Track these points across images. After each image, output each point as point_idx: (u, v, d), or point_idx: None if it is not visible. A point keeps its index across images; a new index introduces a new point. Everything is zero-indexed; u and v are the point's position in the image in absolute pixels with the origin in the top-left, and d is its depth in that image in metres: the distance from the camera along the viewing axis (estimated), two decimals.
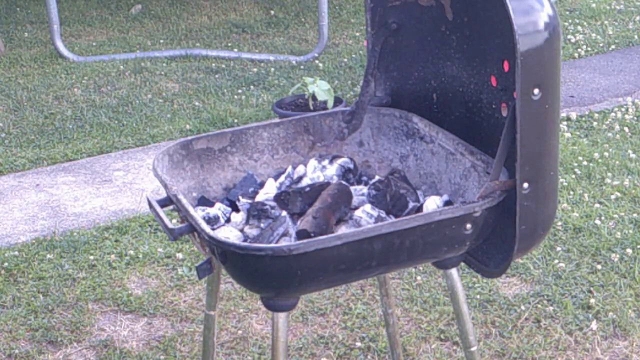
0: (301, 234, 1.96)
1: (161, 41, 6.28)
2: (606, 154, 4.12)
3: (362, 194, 2.15)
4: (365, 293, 3.15)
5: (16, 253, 3.47)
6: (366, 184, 2.24)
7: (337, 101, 4.53)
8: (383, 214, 2.06)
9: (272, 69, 5.58)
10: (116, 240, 3.55)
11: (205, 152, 2.25)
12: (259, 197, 2.19)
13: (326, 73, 5.46)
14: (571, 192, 3.77)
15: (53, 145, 4.55)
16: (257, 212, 2.08)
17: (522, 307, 3.03)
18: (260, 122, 4.73)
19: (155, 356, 2.87)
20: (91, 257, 3.41)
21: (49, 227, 3.71)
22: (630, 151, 4.13)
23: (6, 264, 3.39)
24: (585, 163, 4.02)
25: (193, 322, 3.03)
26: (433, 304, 3.06)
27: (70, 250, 3.48)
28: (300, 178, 2.24)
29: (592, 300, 3.03)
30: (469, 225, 1.92)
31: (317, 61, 5.70)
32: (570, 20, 6.42)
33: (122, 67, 5.70)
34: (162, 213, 2.00)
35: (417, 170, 2.29)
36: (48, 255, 3.44)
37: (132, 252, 3.44)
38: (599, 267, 3.22)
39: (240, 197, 2.18)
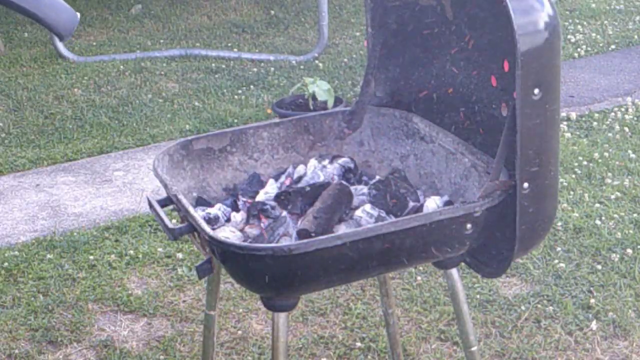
0: (302, 234, 1.96)
1: (161, 41, 6.28)
2: (606, 154, 4.12)
3: (362, 194, 2.15)
4: (365, 293, 3.15)
5: (16, 253, 3.47)
6: (366, 184, 2.24)
7: (337, 101, 4.53)
8: (383, 214, 2.06)
9: (272, 69, 5.58)
10: (116, 240, 3.55)
11: (205, 152, 2.25)
12: (259, 197, 2.19)
13: (326, 73, 5.46)
14: (571, 192, 3.77)
15: (53, 145, 4.55)
16: (257, 212, 2.08)
17: (522, 307, 3.03)
18: (260, 122, 4.73)
19: (155, 356, 2.87)
20: (91, 257, 3.41)
21: (49, 227, 3.71)
22: (630, 151, 4.13)
23: (6, 264, 3.39)
24: (585, 163, 4.02)
25: (193, 322, 3.03)
26: (433, 304, 3.06)
27: (70, 250, 3.48)
28: (300, 178, 2.24)
29: (592, 300, 3.03)
30: (469, 225, 1.92)
31: (317, 61, 5.70)
32: (570, 20, 6.43)
33: (122, 67, 5.70)
34: (162, 213, 2.00)
35: (417, 170, 2.29)
36: (48, 255, 3.44)
37: (132, 252, 3.44)
38: (599, 267, 3.22)
39: (240, 197, 2.19)
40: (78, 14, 1.78)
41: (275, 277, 1.83)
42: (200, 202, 2.20)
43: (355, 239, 1.82)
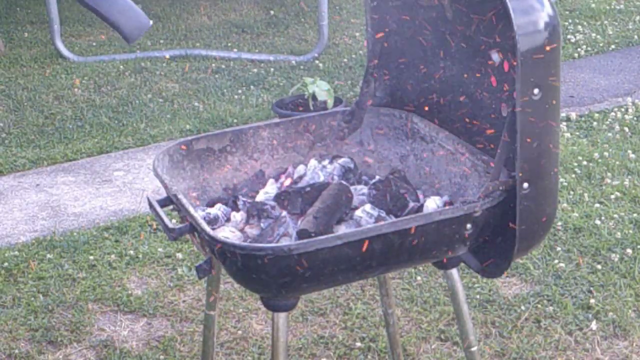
0: (302, 234, 1.96)
1: (161, 41, 6.28)
2: (606, 154, 4.12)
3: (362, 194, 2.15)
4: (365, 293, 3.15)
5: (16, 253, 3.47)
6: (366, 184, 2.24)
7: (337, 101, 4.53)
8: (383, 214, 2.06)
9: (272, 69, 5.58)
10: (116, 240, 3.55)
11: (205, 152, 2.25)
12: (259, 197, 2.19)
13: (326, 73, 5.46)
14: (571, 192, 3.77)
15: (53, 145, 4.55)
16: (257, 212, 2.08)
17: (522, 307, 3.03)
18: (260, 122, 4.73)
19: (155, 356, 2.87)
20: (91, 257, 3.41)
21: (49, 227, 3.71)
22: (630, 151, 4.13)
23: (6, 264, 3.39)
24: (585, 163, 4.02)
25: (193, 322, 3.03)
26: (433, 304, 3.06)
27: (70, 250, 3.48)
28: (300, 178, 2.24)
29: (592, 300, 3.03)
30: (469, 225, 1.92)
31: (317, 61, 5.70)
32: (570, 20, 6.42)
33: (122, 67, 5.70)
34: (162, 213, 2.00)
35: (417, 170, 2.29)
36: (48, 255, 3.44)
37: (132, 252, 3.44)
38: (599, 267, 3.22)
39: (240, 197, 2.19)
40: (151, 22, 1.83)
41: (275, 277, 1.83)
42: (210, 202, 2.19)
43: (355, 239, 1.82)
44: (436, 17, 2.20)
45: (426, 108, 2.33)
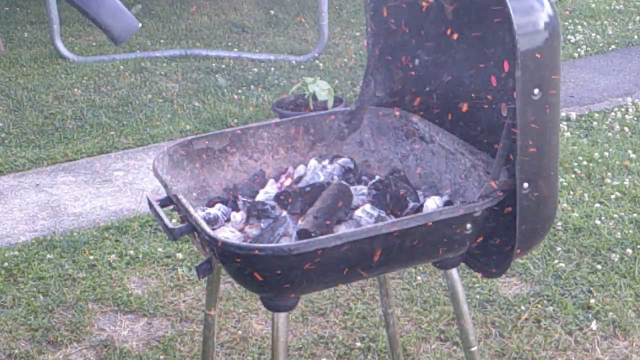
0: (302, 234, 1.96)
1: (161, 41, 6.28)
2: (606, 154, 4.12)
3: (362, 194, 2.15)
4: (365, 293, 3.15)
5: (16, 253, 3.47)
6: (366, 184, 2.24)
7: (337, 101, 4.53)
8: (383, 214, 2.06)
9: (272, 69, 5.58)
10: (116, 240, 3.55)
11: (205, 152, 2.25)
12: (259, 197, 2.19)
13: (326, 73, 5.46)
14: (571, 192, 3.77)
15: (53, 145, 4.55)
16: (257, 212, 2.08)
17: (522, 307, 3.03)
18: (260, 122, 4.73)
19: (155, 356, 2.87)
20: (91, 257, 3.41)
21: (49, 227, 3.71)
22: (630, 151, 4.13)
23: (6, 264, 3.39)
24: (585, 163, 4.02)
25: (193, 322, 3.03)
26: (433, 304, 3.06)
27: (70, 250, 3.48)
28: (300, 178, 2.24)
29: (592, 300, 3.03)
30: (469, 225, 1.92)
31: (317, 61, 5.70)
32: (570, 20, 6.43)
33: (122, 67, 5.70)
34: (162, 213, 2.00)
35: (417, 170, 2.29)
36: (48, 255, 3.44)
37: (132, 252, 3.44)
38: (599, 267, 3.22)
39: (240, 197, 2.19)
40: (140, 24, 1.84)
41: (275, 277, 1.83)
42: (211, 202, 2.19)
43: (355, 239, 1.82)
44: (436, 17, 2.20)
45: (426, 108, 2.33)
